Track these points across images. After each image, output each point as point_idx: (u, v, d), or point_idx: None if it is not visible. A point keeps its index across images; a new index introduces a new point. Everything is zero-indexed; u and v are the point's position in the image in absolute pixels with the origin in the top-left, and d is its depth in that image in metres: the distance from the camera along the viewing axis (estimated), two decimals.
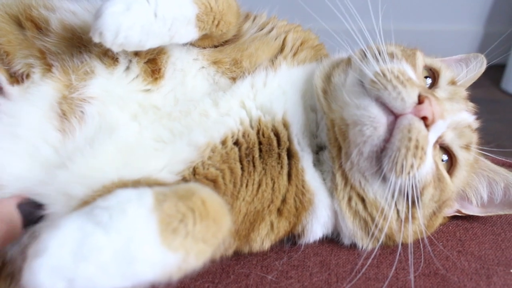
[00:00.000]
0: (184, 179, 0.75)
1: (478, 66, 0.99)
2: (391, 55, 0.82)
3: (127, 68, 0.79)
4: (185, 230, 0.54)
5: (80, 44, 0.78)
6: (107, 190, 0.67)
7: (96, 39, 0.67)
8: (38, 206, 0.68)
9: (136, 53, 0.79)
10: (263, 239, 0.81)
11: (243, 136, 0.80)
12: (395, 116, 0.72)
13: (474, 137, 0.86)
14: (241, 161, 0.78)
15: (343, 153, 0.79)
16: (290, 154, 0.82)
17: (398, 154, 0.71)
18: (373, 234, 0.82)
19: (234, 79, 0.85)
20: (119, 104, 0.77)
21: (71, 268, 0.48)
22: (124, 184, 0.69)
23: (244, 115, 0.81)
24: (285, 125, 0.82)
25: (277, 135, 0.81)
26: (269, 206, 0.79)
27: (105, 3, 0.67)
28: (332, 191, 0.83)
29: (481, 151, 0.90)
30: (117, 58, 0.78)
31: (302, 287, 0.79)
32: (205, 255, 0.57)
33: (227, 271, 0.81)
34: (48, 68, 0.76)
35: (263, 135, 0.81)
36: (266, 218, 0.80)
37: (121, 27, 0.67)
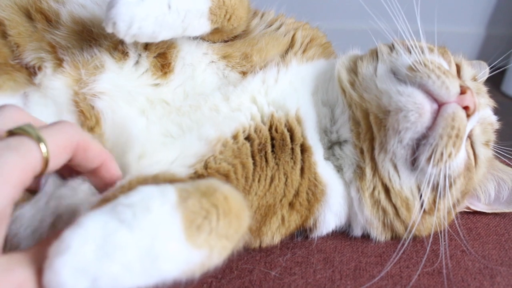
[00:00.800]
0: (197, 173, 0.74)
1: (481, 73, 1.01)
2: (430, 49, 0.83)
3: (137, 62, 0.79)
4: (209, 227, 0.53)
5: (90, 37, 0.78)
6: (126, 187, 0.66)
7: (109, 29, 0.67)
8: None
9: (146, 47, 0.79)
10: (273, 233, 0.81)
11: (255, 131, 0.80)
12: (438, 105, 0.74)
13: (493, 137, 0.90)
14: (253, 156, 0.78)
15: (377, 144, 0.79)
16: (303, 149, 0.82)
17: (440, 142, 0.73)
18: (390, 224, 0.83)
19: (244, 73, 0.85)
20: (128, 99, 0.76)
21: (94, 267, 0.47)
22: (144, 179, 0.68)
23: (255, 110, 0.82)
24: (299, 121, 0.82)
25: (290, 130, 0.81)
26: (281, 200, 0.80)
27: None
28: (352, 182, 0.83)
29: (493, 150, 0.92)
30: (127, 52, 0.78)
31: (306, 283, 0.79)
32: (227, 251, 0.57)
33: (230, 266, 0.81)
34: (59, 62, 0.76)
35: (276, 130, 0.81)
36: (278, 212, 0.80)
37: (135, 18, 0.66)
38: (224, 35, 0.85)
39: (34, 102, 0.76)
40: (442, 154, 0.73)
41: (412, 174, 0.78)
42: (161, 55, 0.80)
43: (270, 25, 0.92)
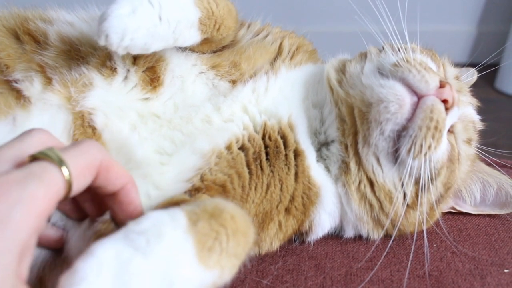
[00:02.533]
0: (194, 186, 0.76)
1: (469, 77, 1.06)
2: (413, 49, 0.85)
3: (126, 77, 0.79)
4: (220, 248, 0.55)
5: (78, 56, 0.78)
6: None
7: (102, 42, 0.68)
8: None
9: (134, 62, 0.79)
10: (272, 239, 0.82)
11: (249, 140, 0.81)
12: (418, 97, 0.76)
13: (475, 136, 0.91)
14: (248, 165, 0.79)
15: (360, 137, 0.81)
16: (296, 154, 0.83)
17: (419, 133, 0.75)
18: (378, 219, 0.84)
19: (233, 82, 0.86)
20: (119, 114, 0.77)
21: None
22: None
23: (247, 120, 0.83)
24: (291, 128, 0.84)
25: (283, 137, 0.83)
26: (277, 206, 0.81)
27: (111, 6, 0.68)
28: (338, 178, 0.85)
29: (477, 152, 0.93)
30: (115, 68, 0.78)
31: None
32: (236, 268, 0.58)
33: None
34: (48, 81, 0.76)
35: (269, 138, 0.82)
36: (275, 218, 0.81)
37: (127, 30, 0.67)
38: (213, 45, 0.86)
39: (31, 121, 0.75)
40: (421, 145, 0.75)
41: (395, 167, 0.80)
42: (150, 69, 0.80)
43: (257, 35, 0.94)
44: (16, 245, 0.44)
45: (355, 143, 0.82)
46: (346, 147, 0.84)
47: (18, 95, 0.75)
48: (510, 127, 2.61)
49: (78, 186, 0.52)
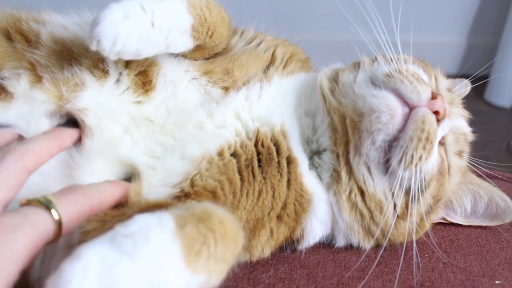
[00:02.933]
0: (183, 191, 0.75)
1: (462, 88, 1.05)
2: (405, 60, 0.85)
3: (118, 80, 0.79)
4: (207, 252, 0.54)
5: (70, 57, 0.78)
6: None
7: (93, 47, 0.67)
8: None
9: (127, 66, 0.79)
10: (263, 246, 0.81)
11: (241, 147, 0.81)
12: (409, 108, 0.76)
13: (467, 148, 0.91)
14: (240, 172, 0.79)
15: (351, 147, 0.81)
16: (289, 161, 0.83)
17: (410, 144, 0.75)
18: (369, 228, 0.84)
19: (226, 88, 0.86)
20: (111, 116, 0.77)
21: None
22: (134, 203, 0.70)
23: (240, 126, 0.82)
24: (284, 135, 0.84)
25: (276, 144, 0.83)
26: (269, 213, 0.80)
27: (103, 11, 0.67)
28: (330, 186, 0.85)
29: (469, 163, 0.93)
30: (107, 71, 0.78)
31: None
32: (224, 273, 0.58)
33: None
34: (38, 79, 0.76)
35: (262, 145, 0.82)
36: (266, 225, 0.80)
37: (119, 35, 0.67)
38: (206, 52, 0.86)
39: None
40: (412, 156, 0.75)
41: (385, 177, 0.80)
42: (142, 73, 0.80)
43: (250, 42, 0.94)
44: (7, 277, 0.49)
45: (347, 152, 0.82)
46: (338, 156, 0.83)
47: (1, 90, 0.75)
48: (499, 138, 2.64)
49: (68, 231, 0.59)
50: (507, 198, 0.92)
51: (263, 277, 0.83)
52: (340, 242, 0.89)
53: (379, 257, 0.86)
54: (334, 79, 0.89)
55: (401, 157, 0.75)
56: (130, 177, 0.77)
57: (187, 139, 0.79)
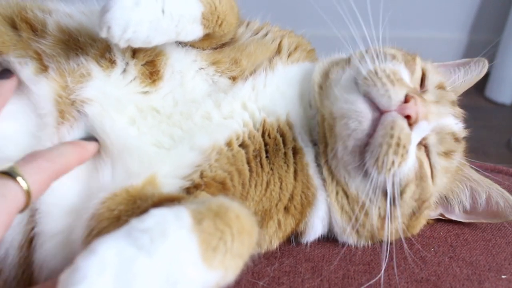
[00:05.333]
0: (193, 183, 0.74)
1: (478, 70, 1.00)
2: (392, 56, 0.83)
3: (124, 70, 0.78)
4: (224, 248, 0.53)
5: (76, 46, 0.77)
6: (117, 199, 0.68)
7: (103, 34, 0.66)
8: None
9: (134, 56, 0.78)
10: (271, 237, 0.81)
11: (249, 138, 0.80)
12: (380, 113, 0.74)
13: (456, 146, 0.87)
14: (248, 163, 0.79)
15: (329, 149, 0.81)
16: (295, 152, 0.83)
17: (380, 150, 0.73)
18: (358, 230, 0.84)
19: (234, 78, 0.85)
20: (117, 107, 0.76)
21: None
22: (138, 195, 0.69)
23: (247, 117, 0.82)
24: (289, 125, 0.83)
25: (282, 135, 0.82)
26: (277, 204, 0.80)
27: None
28: (323, 185, 0.84)
29: (468, 159, 0.91)
30: (114, 61, 0.77)
31: None
32: (240, 269, 0.57)
33: None
34: (44, 68, 0.75)
35: (269, 136, 0.82)
36: (274, 216, 0.80)
37: (130, 22, 0.66)
38: (214, 42, 0.85)
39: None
40: (383, 162, 0.73)
41: (365, 180, 0.78)
42: (149, 63, 0.79)
43: (257, 33, 0.93)
44: None
45: (326, 153, 0.82)
46: (321, 154, 0.84)
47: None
48: (498, 135, 2.64)
49: (37, 197, 0.60)
50: (508, 195, 0.88)
51: (268, 270, 0.82)
52: (341, 240, 0.88)
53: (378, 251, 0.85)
54: (326, 73, 0.87)
55: (373, 162, 0.74)
56: None
57: (195, 130, 0.78)
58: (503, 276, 0.84)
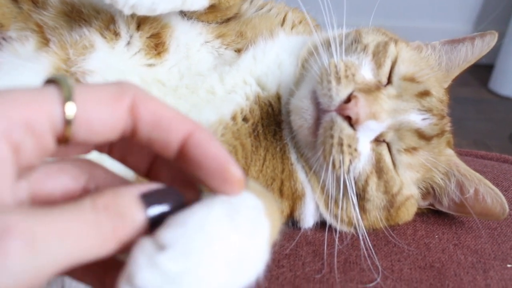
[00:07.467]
0: None
1: (487, 42, 0.92)
2: (362, 47, 0.80)
3: (128, 43, 0.77)
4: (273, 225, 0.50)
5: (80, 18, 0.75)
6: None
7: (107, 0, 0.65)
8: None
9: (139, 28, 0.77)
10: None
11: (250, 111, 0.80)
12: (323, 112, 0.73)
13: (419, 143, 0.80)
14: (249, 137, 0.78)
15: (294, 141, 0.82)
16: (279, 127, 0.82)
17: (323, 147, 0.73)
18: (340, 220, 0.82)
19: (239, 50, 0.84)
20: (120, 78, 0.74)
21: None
22: None
23: (249, 90, 0.81)
24: (278, 97, 0.83)
25: (272, 107, 0.82)
26: (272, 183, 0.79)
27: None
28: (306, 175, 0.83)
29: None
30: (118, 33, 0.75)
31: (294, 276, 0.76)
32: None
33: None
34: (45, 42, 0.73)
35: (262, 109, 0.81)
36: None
37: None
38: (219, 16, 0.83)
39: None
40: (331, 159, 0.72)
41: (327, 174, 0.76)
42: (155, 35, 0.78)
43: (261, 8, 0.92)
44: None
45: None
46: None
47: None
48: (502, 127, 2.62)
49: (89, 125, 0.37)
50: (497, 193, 0.82)
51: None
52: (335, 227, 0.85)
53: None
54: (314, 50, 0.82)
55: (323, 159, 0.74)
56: None
57: (201, 105, 0.77)
58: (509, 265, 0.82)
